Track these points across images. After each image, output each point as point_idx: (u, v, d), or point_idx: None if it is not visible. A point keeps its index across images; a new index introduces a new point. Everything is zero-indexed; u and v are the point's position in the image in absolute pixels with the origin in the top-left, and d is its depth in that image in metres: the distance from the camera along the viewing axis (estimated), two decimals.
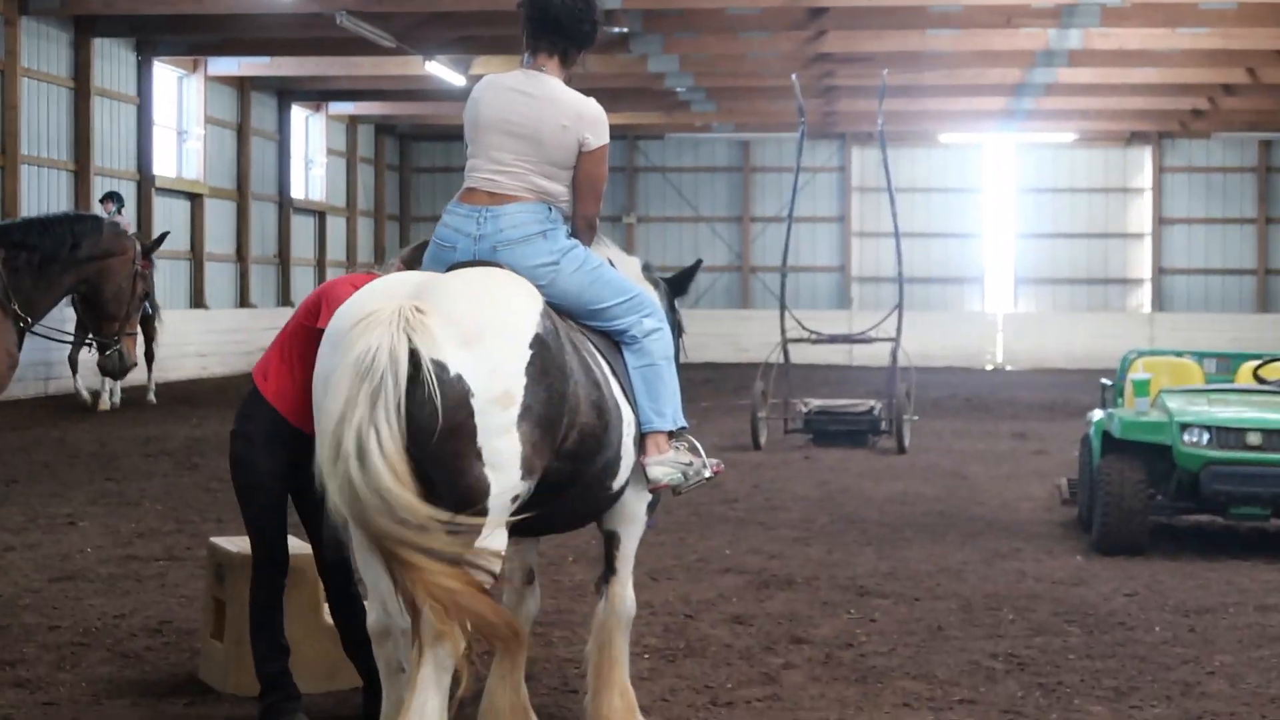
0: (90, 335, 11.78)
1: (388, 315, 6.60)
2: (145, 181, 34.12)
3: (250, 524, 8.17)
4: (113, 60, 33.25)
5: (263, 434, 7.98)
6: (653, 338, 7.63)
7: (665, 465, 7.61)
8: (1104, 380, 16.75)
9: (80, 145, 31.73)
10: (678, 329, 8.64)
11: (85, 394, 26.69)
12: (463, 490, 6.61)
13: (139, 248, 11.58)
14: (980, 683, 9.38)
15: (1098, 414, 15.25)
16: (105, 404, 26.70)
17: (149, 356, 27.30)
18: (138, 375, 27.07)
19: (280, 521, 8.16)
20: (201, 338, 35.32)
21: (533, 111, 7.44)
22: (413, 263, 8.13)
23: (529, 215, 7.38)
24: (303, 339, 8.17)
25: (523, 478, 6.72)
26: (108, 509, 15.83)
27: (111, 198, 27.22)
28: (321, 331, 7.93)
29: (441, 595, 6.40)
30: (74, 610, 11.07)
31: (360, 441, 6.38)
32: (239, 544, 9.31)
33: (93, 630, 10.48)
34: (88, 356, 25.05)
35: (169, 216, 35.33)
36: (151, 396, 28.24)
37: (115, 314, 11.38)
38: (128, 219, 28.27)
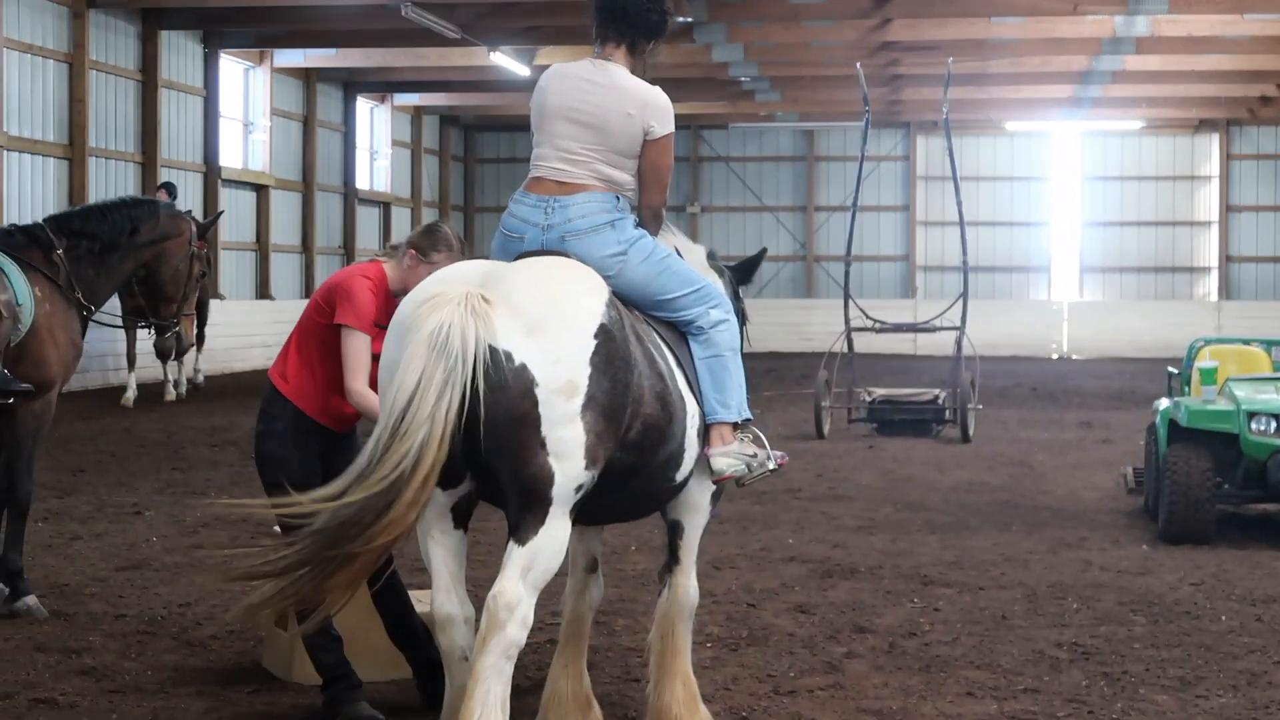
0: (147, 318, 11.84)
1: (455, 296, 6.61)
2: (211, 173, 34.29)
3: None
4: (179, 52, 33.41)
5: (289, 432, 8.08)
6: (719, 329, 7.61)
7: (729, 457, 7.59)
8: (1170, 369, 16.65)
9: (147, 137, 31.91)
10: (742, 318, 8.61)
11: (170, 385, 26.75)
12: (526, 479, 6.62)
13: (194, 229, 11.62)
14: (1045, 672, 9.34)
15: (1164, 402, 15.15)
16: (170, 395, 26.73)
17: (199, 340, 27.16)
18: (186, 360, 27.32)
19: None
20: (267, 328, 35.45)
21: (599, 100, 7.43)
22: (423, 247, 8.20)
23: (597, 205, 7.37)
24: (317, 337, 8.23)
25: (586, 467, 6.71)
26: (174, 498, 15.92)
27: (165, 188, 27.35)
28: (336, 328, 8.01)
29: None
30: (140, 599, 11.14)
31: (434, 416, 6.42)
32: None
33: (158, 619, 10.55)
34: (145, 347, 25.20)
35: (235, 208, 35.53)
36: (200, 379, 28.41)
37: (173, 295, 11.43)
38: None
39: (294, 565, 6.51)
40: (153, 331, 11.74)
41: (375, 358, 7.89)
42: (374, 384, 7.88)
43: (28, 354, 10.45)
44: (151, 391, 26.81)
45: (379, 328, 8.07)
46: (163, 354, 11.31)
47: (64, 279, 10.79)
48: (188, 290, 11.44)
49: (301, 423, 8.19)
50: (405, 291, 8.19)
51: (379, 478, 6.43)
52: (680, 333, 7.55)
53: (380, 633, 8.67)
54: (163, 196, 26.58)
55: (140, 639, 9.95)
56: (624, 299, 7.21)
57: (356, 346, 8.15)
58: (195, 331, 11.33)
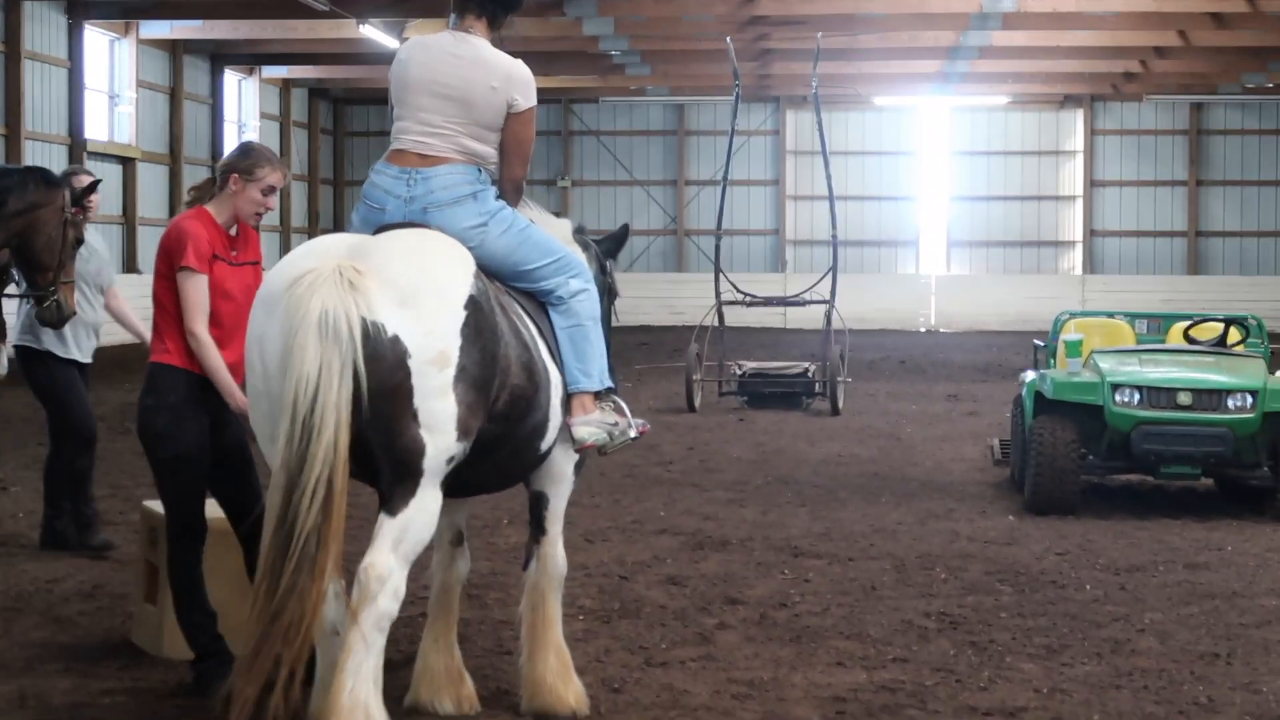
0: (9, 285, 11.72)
1: (329, 274, 6.59)
2: (77, 145, 33.81)
3: (172, 496, 8.15)
4: (43, 23, 32.92)
5: (182, 404, 7.99)
6: (579, 299, 7.63)
7: (591, 425, 7.62)
8: (1037, 341, 16.83)
9: (11, 109, 31.43)
10: (611, 293, 8.65)
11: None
12: (398, 452, 6.62)
13: (69, 195, 11.45)
14: (913, 641, 9.43)
15: (1030, 375, 15.32)
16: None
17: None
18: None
19: (203, 490, 8.18)
20: (134, 303, 34.78)
21: (462, 73, 7.43)
22: (245, 168, 8.20)
23: (459, 177, 7.38)
24: (173, 299, 8.15)
25: (458, 439, 6.73)
26: (40, 474, 15.69)
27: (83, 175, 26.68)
28: (190, 270, 7.96)
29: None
30: (6, 575, 11.00)
31: (339, 405, 6.44)
32: None
33: (25, 595, 10.42)
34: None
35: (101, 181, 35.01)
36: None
37: (48, 264, 11.26)
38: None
39: (280, 604, 6.48)
40: (30, 302, 11.53)
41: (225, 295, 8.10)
42: (220, 323, 8.07)
43: None
44: None
45: (218, 260, 8.13)
46: (44, 323, 11.10)
47: None
48: (63, 257, 11.28)
49: (193, 392, 8.09)
50: (235, 221, 8.20)
51: (313, 481, 6.44)
52: (540, 303, 7.58)
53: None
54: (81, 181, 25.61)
55: (6, 616, 9.83)
56: (485, 271, 7.20)
57: (195, 286, 8.08)
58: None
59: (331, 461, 6.47)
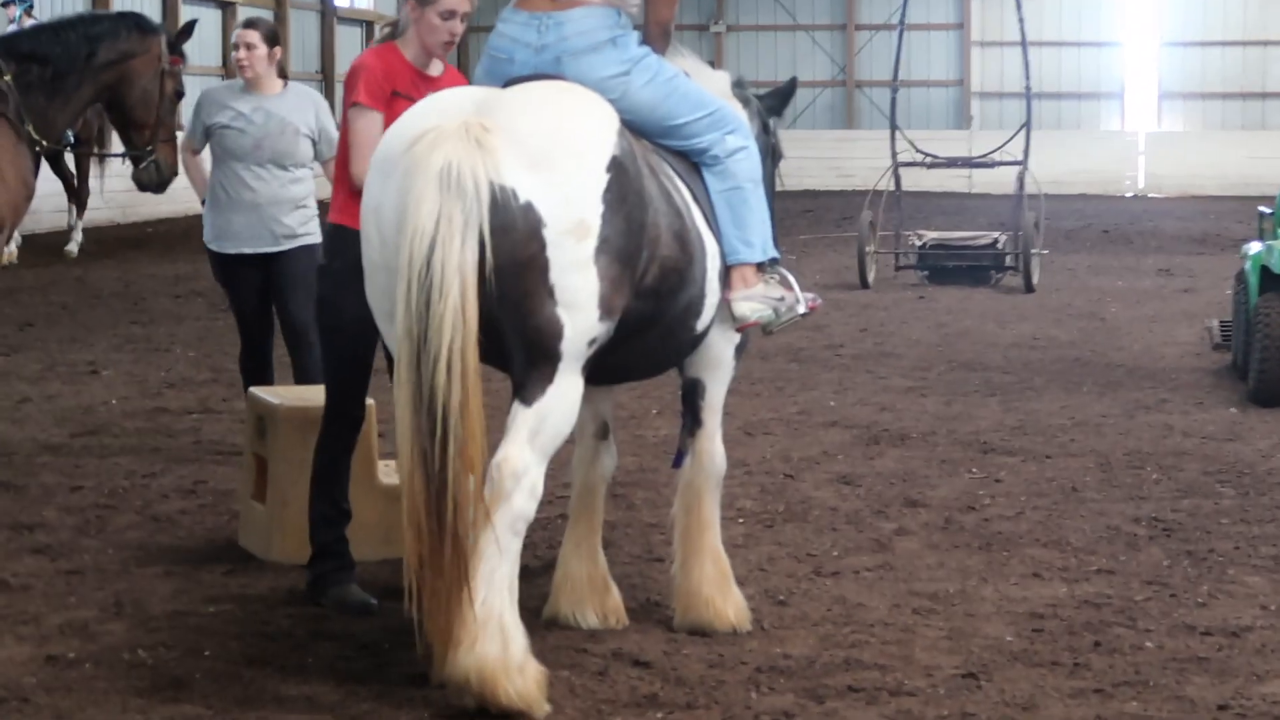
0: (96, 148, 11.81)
1: (454, 130, 6.56)
2: None
3: (328, 372, 8.19)
4: None
5: (350, 268, 7.70)
6: (737, 157, 7.57)
7: (754, 301, 7.58)
8: (1262, 209, 16.56)
9: None
10: (774, 154, 8.59)
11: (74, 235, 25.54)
12: (533, 333, 6.61)
13: (165, 43, 11.51)
14: (1120, 550, 9.36)
15: (1255, 246, 15.10)
16: (72, 248, 25.50)
17: (80, 197, 25.30)
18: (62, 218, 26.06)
19: (362, 373, 8.16)
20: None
21: None
22: (393, 30, 8.17)
23: (596, 21, 7.32)
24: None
25: (600, 319, 6.71)
26: (134, 356, 15.95)
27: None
28: (361, 107, 7.93)
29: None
30: (98, 469, 11.17)
31: (462, 266, 6.42)
32: (282, 394, 9.38)
33: (119, 491, 10.58)
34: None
35: (196, 26, 35.19)
36: (73, 246, 25.65)
37: (144, 120, 11.33)
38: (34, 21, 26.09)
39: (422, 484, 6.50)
40: (127, 162, 11.58)
41: None
42: None
43: None
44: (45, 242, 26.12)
45: (400, 97, 7.95)
46: (143, 186, 11.17)
47: (12, 109, 10.73)
48: (161, 113, 11.34)
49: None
50: (428, 56, 8.13)
51: (444, 348, 6.41)
52: (694, 165, 7.53)
53: (370, 507, 8.68)
54: (10, 11, 25.07)
55: (100, 514, 9.98)
56: (629, 127, 7.15)
57: (366, 125, 8.04)
58: (79, 186, 11.35)
59: (461, 328, 6.42)
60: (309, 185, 11.03)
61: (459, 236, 6.43)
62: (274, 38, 10.95)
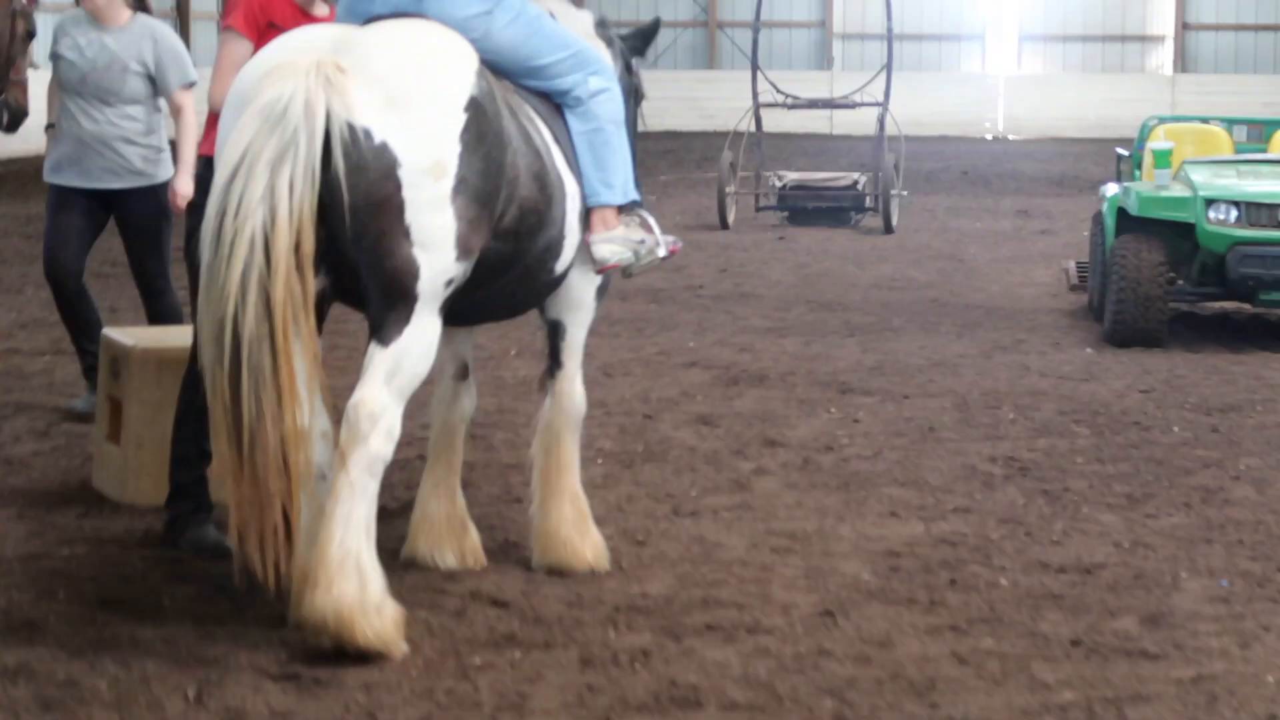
0: None
1: (304, 67, 6.52)
2: None
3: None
4: None
5: None
6: (599, 99, 7.57)
7: (614, 243, 7.60)
8: (1120, 150, 16.73)
9: None
10: (637, 95, 8.59)
11: None
12: (389, 274, 6.58)
13: None
14: (977, 489, 9.45)
15: (1112, 188, 15.24)
16: None
17: None
18: None
19: None
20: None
21: None
22: None
23: None
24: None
25: (457, 259, 6.69)
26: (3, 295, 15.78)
27: None
28: (233, 32, 7.85)
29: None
30: None
31: (268, 198, 6.37)
32: (137, 335, 9.28)
33: None
34: None
35: None
36: None
37: None
38: None
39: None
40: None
41: None
42: None
43: None
44: None
45: (274, 28, 7.82)
46: None
47: None
48: (12, 53, 11.17)
49: None
50: None
51: (236, 275, 6.35)
52: (556, 105, 7.52)
53: None
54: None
55: None
56: (491, 67, 7.13)
57: (231, 50, 7.95)
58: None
59: (260, 260, 6.34)
60: (147, 122, 10.75)
61: (266, 167, 6.38)
62: None
